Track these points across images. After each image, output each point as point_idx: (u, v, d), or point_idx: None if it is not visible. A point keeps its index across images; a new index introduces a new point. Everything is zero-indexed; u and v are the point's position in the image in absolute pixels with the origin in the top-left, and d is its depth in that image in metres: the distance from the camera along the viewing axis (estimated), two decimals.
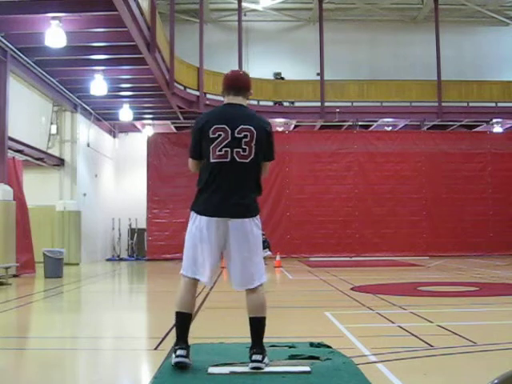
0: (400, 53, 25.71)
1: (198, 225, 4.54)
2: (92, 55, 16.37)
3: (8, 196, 14.54)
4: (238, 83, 4.62)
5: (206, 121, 4.53)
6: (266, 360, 4.41)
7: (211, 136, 4.43)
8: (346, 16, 26.02)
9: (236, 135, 4.41)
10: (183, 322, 4.48)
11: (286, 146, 23.79)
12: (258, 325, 4.47)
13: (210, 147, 4.45)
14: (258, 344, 4.45)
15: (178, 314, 4.49)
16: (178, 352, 4.39)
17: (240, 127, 4.43)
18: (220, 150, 4.42)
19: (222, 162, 4.43)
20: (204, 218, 4.49)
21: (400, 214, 23.44)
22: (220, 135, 4.42)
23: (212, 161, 4.45)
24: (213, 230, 4.45)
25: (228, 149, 4.41)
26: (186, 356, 4.39)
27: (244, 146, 4.42)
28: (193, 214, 4.61)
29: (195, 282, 4.56)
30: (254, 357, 4.37)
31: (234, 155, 4.42)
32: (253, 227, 4.44)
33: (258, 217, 4.51)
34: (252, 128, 4.44)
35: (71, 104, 20.17)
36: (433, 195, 23.70)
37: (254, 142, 4.43)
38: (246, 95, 4.63)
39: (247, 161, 4.42)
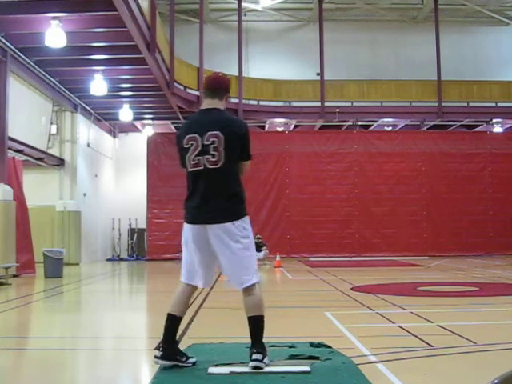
0: (400, 53, 25.71)
1: (186, 232, 4.66)
2: (92, 55, 16.37)
3: (8, 196, 14.55)
4: (213, 85, 4.65)
5: (182, 132, 4.64)
6: (266, 360, 4.43)
7: (185, 146, 4.55)
8: (346, 16, 26.01)
9: (205, 142, 4.46)
10: (170, 323, 4.61)
11: (286, 146, 23.81)
12: (254, 324, 4.52)
13: (185, 157, 4.57)
14: (257, 343, 4.48)
15: (168, 316, 4.63)
16: (155, 353, 4.57)
17: (208, 134, 4.46)
18: (193, 159, 4.53)
19: (197, 171, 4.52)
20: (188, 226, 4.63)
21: (400, 214, 23.44)
22: (192, 144, 4.51)
23: (189, 170, 4.59)
24: (196, 237, 4.57)
25: (200, 157, 4.49)
26: (162, 358, 4.52)
27: (212, 152, 4.45)
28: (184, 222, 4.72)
29: (191, 287, 4.67)
30: (254, 356, 4.40)
31: (205, 162, 4.48)
32: (234, 231, 4.45)
33: (242, 219, 4.51)
34: (219, 133, 4.45)
35: (71, 104, 20.17)
36: (433, 195, 23.71)
37: (222, 146, 4.44)
38: (222, 97, 4.64)
39: (218, 166, 4.46)
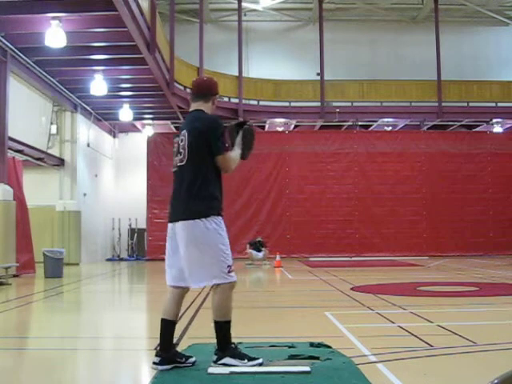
0: (400, 53, 25.71)
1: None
2: (92, 55, 16.37)
3: (8, 196, 14.55)
4: (196, 89, 4.77)
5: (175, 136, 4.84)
6: (225, 360, 4.43)
7: (173, 149, 4.70)
8: (346, 16, 26.02)
9: (179, 143, 4.59)
10: (164, 328, 4.60)
11: (286, 146, 23.81)
12: (215, 327, 4.49)
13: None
14: (218, 347, 4.50)
15: (161, 321, 4.64)
16: (153, 359, 4.57)
17: (181, 134, 4.61)
18: (174, 160, 4.66)
19: (174, 171, 4.66)
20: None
21: (400, 214, 23.45)
22: (175, 146, 4.68)
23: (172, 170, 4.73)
24: (168, 236, 4.69)
25: (175, 157, 4.65)
26: (160, 363, 4.52)
27: (180, 150, 4.57)
28: None
29: (176, 289, 4.65)
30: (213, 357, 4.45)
31: (177, 162, 4.58)
32: (200, 228, 4.39)
33: (209, 218, 4.42)
34: (185, 131, 4.57)
35: (71, 104, 20.17)
36: (433, 195, 23.71)
37: (187, 144, 4.51)
38: (207, 100, 4.69)
39: (183, 164, 4.54)
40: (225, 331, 4.44)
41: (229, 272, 4.48)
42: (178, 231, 4.50)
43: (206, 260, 4.43)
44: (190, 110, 4.73)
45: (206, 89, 4.73)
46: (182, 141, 4.54)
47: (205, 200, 4.47)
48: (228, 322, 4.47)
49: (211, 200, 4.49)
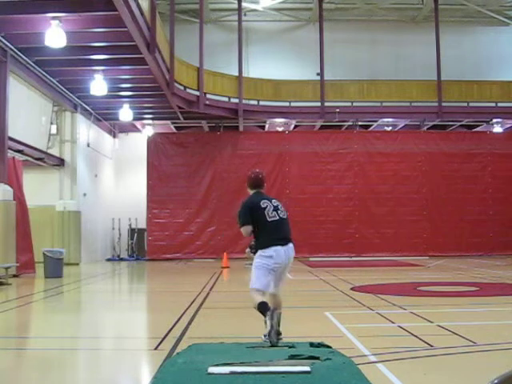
0: (400, 53, 25.69)
1: None
2: (92, 55, 16.36)
3: (8, 196, 14.55)
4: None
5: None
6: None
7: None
8: (346, 16, 26.00)
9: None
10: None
11: (286, 146, 23.81)
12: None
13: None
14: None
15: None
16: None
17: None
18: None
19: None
20: None
21: (400, 214, 23.45)
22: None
23: None
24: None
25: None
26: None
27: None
28: None
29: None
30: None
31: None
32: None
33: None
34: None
35: (71, 104, 20.17)
36: (433, 195, 23.71)
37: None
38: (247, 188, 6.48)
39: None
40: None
41: None
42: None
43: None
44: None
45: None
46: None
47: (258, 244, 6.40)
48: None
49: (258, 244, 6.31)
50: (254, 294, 5.79)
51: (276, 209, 6.22)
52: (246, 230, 6.10)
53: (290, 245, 6.20)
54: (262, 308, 5.59)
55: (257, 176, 6.51)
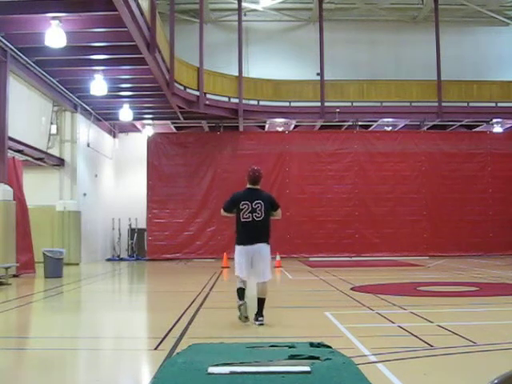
0: (400, 53, 25.69)
1: None
2: (92, 55, 16.35)
3: (8, 196, 14.55)
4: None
5: None
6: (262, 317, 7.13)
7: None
8: (346, 16, 25.99)
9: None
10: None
11: (286, 146, 23.81)
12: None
13: None
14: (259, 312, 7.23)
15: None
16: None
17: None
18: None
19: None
20: None
21: (400, 214, 23.45)
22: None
23: None
24: None
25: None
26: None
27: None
28: None
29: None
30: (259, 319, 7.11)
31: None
32: None
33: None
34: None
35: (71, 104, 20.16)
36: (433, 195, 23.71)
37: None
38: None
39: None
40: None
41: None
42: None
43: None
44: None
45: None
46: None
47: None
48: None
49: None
50: (236, 279, 7.31)
51: (253, 211, 7.14)
52: (222, 213, 7.52)
53: (257, 245, 7.13)
54: (237, 293, 7.12)
55: (253, 173, 7.38)
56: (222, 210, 7.50)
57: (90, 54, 16.19)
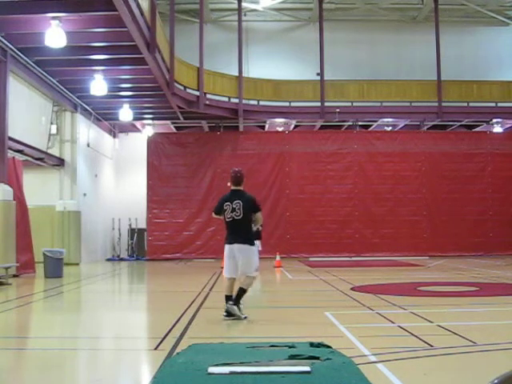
0: (400, 53, 25.69)
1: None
2: (92, 55, 16.36)
3: (8, 196, 14.54)
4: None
5: None
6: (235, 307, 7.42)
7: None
8: (346, 16, 25.99)
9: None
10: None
11: (286, 146, 23.81)
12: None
13: None
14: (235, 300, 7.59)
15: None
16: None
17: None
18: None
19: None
20: None
21: (400, 214, 23.44)
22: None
23: None
24: None
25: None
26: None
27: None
28: None
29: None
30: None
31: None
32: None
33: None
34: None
35: (71, 104, 20.16)
36: (433, 195, 23.71)
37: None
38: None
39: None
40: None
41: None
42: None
43: None
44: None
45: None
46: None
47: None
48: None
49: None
50: (225, 280, 7.77)
51: (233, 210, 7.58)
52: (213, 216, 8.11)
53: (236, 245, 7.51)
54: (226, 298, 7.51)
55: (235, 174, 7.77)
56: (213, 213, 8.04)
57: (89, 53, 16.19)
